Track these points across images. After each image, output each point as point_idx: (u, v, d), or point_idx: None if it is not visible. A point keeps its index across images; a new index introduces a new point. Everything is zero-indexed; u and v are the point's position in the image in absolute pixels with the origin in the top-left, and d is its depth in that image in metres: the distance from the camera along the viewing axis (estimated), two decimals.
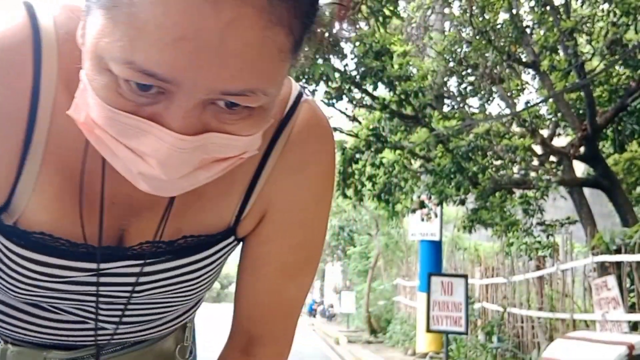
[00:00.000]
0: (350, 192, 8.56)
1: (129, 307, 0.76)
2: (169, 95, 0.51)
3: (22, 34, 0.61)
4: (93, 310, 0.76)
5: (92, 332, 0.79)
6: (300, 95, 0.73)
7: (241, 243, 0.80)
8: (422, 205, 8.25)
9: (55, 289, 0.71)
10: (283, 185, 0.74)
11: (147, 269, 0.72)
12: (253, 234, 0.77)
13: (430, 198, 8.00)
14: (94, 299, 0.74)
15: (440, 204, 7.94)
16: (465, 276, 6.91)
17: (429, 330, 6.61)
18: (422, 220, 8.55)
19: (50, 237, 0.66)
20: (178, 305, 0.80)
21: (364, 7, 6.52)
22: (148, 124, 0.52)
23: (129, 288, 0.73)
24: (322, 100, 8.53)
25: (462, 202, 7.62)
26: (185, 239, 0.72)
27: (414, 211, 8.60)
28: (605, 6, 6.73)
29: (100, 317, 0.77)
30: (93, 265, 0.69)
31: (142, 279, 0.73)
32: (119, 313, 0.77)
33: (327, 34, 6.14)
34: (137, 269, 0.72)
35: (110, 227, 0.69)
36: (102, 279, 0.71)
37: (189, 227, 0.72)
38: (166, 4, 0.46)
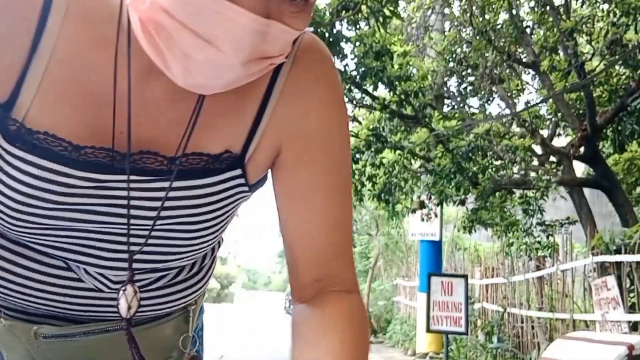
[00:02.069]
0: None
1: (106, 237, 0.72)
2: None
3: None
4: (97, 258, 0.72)
5: (93, 298, 0.75)
6: None
7: (273, 193, 0.78)
8: (422, 205, 8.25)
9: (54, 206, 0.67)
10: (293, 111, 0.74)
11: (145, 185, 0.69)
12: (279, 168, 0.76)
13: (430, 198, 8.01)
14: (98, 236, 0.71)
15: (440, 204, 7.94)
16: (465, 276, 6.91)
17: (428, 330, 6.61)
18: (422, 220, 8.55)
19: (53, 137, 0.64)
20: (187, 250, 0.75)
21: (364, 7, 6.52)
22: (224, 4, 0.54)
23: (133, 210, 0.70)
24: None
25: (462, 202, 7.62)
26: (187, 156, 0.69)
27: (414, 211, 8.60)
28: (605, 6, 6.73)
29: (88, 258, 0.73)
30: (96, 176, 0.66)
31: (144, 202, 0.70)
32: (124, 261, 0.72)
33: (327, 34, 6.14)
34: (136, 185, 0.69)
35: (125, 134, 0.67)
36: (99, 192, 0.68)
37: (197, 146, 0.70)
38: None
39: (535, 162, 7.81)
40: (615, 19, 6.46)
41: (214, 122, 0.70)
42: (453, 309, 6.45)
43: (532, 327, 7.09)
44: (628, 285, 5.37)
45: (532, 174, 7.38)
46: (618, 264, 5.38)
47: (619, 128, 7.58)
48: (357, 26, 7.44)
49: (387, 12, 6.20)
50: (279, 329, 16.34)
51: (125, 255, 0.72)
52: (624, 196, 6.87)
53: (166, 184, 0.69)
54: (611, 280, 5.08)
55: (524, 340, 7.25)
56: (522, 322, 7.32)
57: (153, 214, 0.70)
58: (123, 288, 0.70)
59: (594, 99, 6.97)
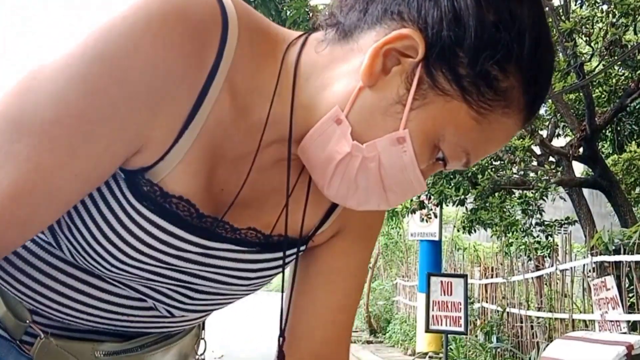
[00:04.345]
0: None
1: (199, 288, 0.76)
2: (442, 163, 0.67)
3: (215, 11, 0.62)
4: (166, 295, 0.75)
5: (152, 317, 0.77)
6: None
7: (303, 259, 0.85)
8: (421, 205, 8.25)
9: (160, 264, 0.69)
10: None
11: (238, 255, 0.74)
12: (328, 247, 0.84)
13: (429, 198, 8.01)
14: (187, 286, 0.74)
15: (439, 204, 7.95)
16: (464, 276, 6.91)
17: (428, 330, 6.62)
18: (422, 220, 8.55)
19: (186, 203, 0.67)
20: (234, 298, 0.81)
21: None
22: (419, 178, 0.66)
23: (224, 272, 0.75)
24: None
25: (462, 203, 7.63)
26: (280, 236, 0.76)
27: (413, 211, 8.60)
28: (605, 7, 6.74)
29: (167, 299, 0.76)
30: (206, 242, 0.71)
31: (236, 272, 0.75)
32: (188, 298, 0.76)
33: None
34: (235, 255, 0.74)
35: (236, 210, 0.72)
36: (204, 259, 0.72)
37: (283, 226, 0.76)
38: (508, 130, 0.66)
39: (535, 163, 7.81)
40: (614, 20, 6.47)
41: (299, 205, 0.76)
42: (452, 308, 6.45)
43: (532, 327, 7.10)
44: (627, 285, 5.37)
45: (532, 174, 7.39)
46: (617, 264, 5.39)
47: (618, 128, 7.59)
48: None
49: None
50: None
51: (202, 301, 0.78)
52: (623, 196, 6.88)
53: (257, 256, 0.76)
54: (610, 280, 5.08)
55: (523, 340, 7.26)
56: (522, 322, 7.33)
57: (244, 282, 0.77)
58: None
59: (593, 100, 6.98)
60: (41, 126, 0.57)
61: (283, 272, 0.78)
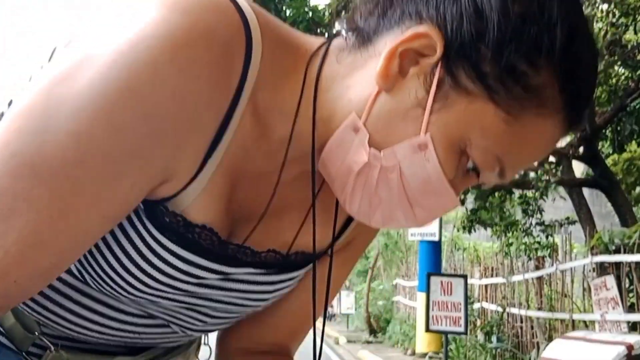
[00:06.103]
0: None
1: (214, 313, 0.74)
2: (474, 174, 0.62)
3: (239, 32, 0.58)
4: (182, 317, 0.74)
5: (165, 333, 0.76)
6: None
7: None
8: None
9: (179, 292, 0.68)
10: None
11: (257, 278, 0.73)
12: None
13: None
14: (193, 306, 0.73)
15: None
16: (464, 276, 6.91)
17: (428, 330, 6.61)
18: None
19: (209, 231, 0.64)
20: (246, 314, 0.80)
21: None
22: (446, 189, 0.60)
23: (243, 296, 0.73)
24: None
25: (462, 203, 7.64)
26: (296, 254, 0.74)
27: None
28: (605, 7, 6.74)
29: (181, 322, 0.74)
30: (226, 269, 0.68)
31: (255, 295, 0.74)
32: (202, 322, 0.75)
33: (326, 34, 6.14)
34: (253, 277, 0.72)
35: (256, 234, 0.70)
36: (224, 284, 0.71)
37: (302, 243, 0.75)
38: (546, 133, 0.60)
39: (535, 162, 7.81)
40: (614, 20, 6.47)
41: (317, 221, 0.72)
42: (452, 308, 6.45)
43: (532, 327, 7.10)
44: (627, 285, 5.38)
45: (532, 174, 7.39)
46: (617, 264, 5.39)
47: (618, 128, 7.59)
48: None
49: None
50: None
51: (216, 323, 0.77)
52: (623, 196, 6.88)
53: (275, 277, 0.74)
54: (610, 280, 5.08)
55: (523, 340, 7.26)
56: (522, 322, 7.33)
57: (260, 303, 0.76)
58: None
59: (593, 99, 6.98)
60: (63, 169, 0.52)
61: (314, 295, 0.73)
